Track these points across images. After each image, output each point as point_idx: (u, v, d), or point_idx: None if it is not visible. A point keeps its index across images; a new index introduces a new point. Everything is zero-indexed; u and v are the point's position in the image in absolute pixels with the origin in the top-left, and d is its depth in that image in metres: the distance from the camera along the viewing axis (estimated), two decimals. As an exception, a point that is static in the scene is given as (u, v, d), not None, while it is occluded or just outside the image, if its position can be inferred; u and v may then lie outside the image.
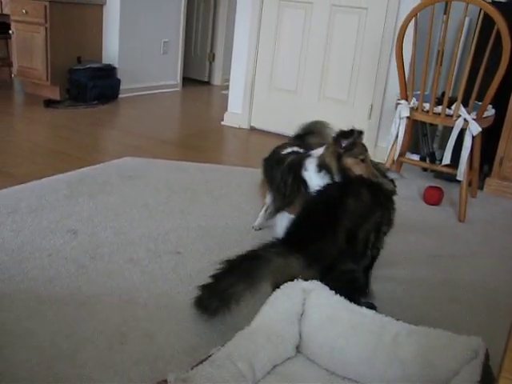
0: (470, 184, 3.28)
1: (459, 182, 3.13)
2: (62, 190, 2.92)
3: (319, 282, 1.63)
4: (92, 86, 5.22)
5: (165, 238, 2.49)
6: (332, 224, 1.79)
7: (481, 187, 3.68)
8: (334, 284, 1.69)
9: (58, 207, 2.70)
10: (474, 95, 2.97)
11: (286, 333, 1.55)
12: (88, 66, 5.31)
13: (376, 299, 2.08)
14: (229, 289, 1.74)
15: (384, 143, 4.06)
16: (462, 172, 3.07)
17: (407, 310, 2.08)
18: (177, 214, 2.75)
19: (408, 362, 1.42)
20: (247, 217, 2.79)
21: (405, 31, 3.04)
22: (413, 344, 1.45)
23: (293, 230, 1.88)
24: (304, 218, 1.92)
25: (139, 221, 2.64)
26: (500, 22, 2.78)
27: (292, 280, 1.67)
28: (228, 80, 5.00)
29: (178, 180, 3.25)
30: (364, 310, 1.58)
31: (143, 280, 2.11)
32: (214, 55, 7.12)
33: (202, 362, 1.42)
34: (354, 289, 1.83)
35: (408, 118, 3.15)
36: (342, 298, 1.61)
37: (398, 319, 1.56)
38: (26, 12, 5.15)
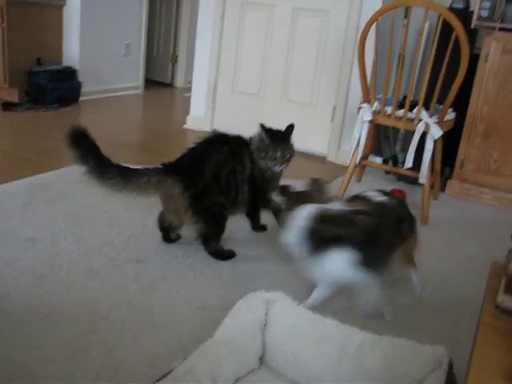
0: (432, 186, 3.31)
1: (421, 184, 3.16)
2: (21, 196, 2.85)
3: (281, 293, 1.62)
4: (52, 88, 5.12)
5: (126, 245, 2.44)
6: (202, 164, 2.35)
7: (443, 189, 3.72)
8: (204, 212, 2.34)
9: (16, 215, 2.63)
10: (434, 99, 3.00)
11: (249, 344, 1.53)
12: (48, 68, 5.21)
13: (337, 308, 2.08)
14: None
15: (347, 146, 4.08)
16: (424, 175, 3.09)
17: (370, 318, 2.08)
18: (139, 220, 2.71)
19: (373, 373, 1.41)
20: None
21: (366, 35, 3.05)
22: (377, 354, 1.45)
23: (175, 164, 2.40)
24: (184, 158, 2.44)
25: (100, 228, 2.59)
26: (458, 28, 2.81)
27: (173, 199, 2.32)
28: (191, 82, 4.94)
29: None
30: (328, 320, 1.56)
31: (104, 290, 2.07)
32: (176, 57, 7.06)
33: (163, 377, 1.39)
34: (218, 224, 2.40)
35: (370, 121, 3.17)
36: (305, 309, 1.60)
37: (361, 329, 1.56)
38: (-18, 12, 5.03)
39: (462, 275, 2.54)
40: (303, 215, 1.87)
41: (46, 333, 1.78)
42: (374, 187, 3.57)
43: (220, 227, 2.42)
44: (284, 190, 2.09)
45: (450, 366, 1.40)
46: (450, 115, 3.19)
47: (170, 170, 2.37)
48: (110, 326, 1.85)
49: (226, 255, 2.45)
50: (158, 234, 2.56)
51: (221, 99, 4.69)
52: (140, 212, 2.81)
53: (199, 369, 1.41)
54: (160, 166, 2.39)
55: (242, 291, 2.00)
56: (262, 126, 2.47)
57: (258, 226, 2.72)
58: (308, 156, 4.29)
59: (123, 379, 1.60)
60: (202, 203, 2.34)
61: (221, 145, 2.45)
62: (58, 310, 1.90)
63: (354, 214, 1.87)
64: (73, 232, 2.51)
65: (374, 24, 3.01)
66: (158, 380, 1.39)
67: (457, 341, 1.95)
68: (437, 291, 2.35)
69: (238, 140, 2.52)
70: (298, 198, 1.99)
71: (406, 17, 3.99)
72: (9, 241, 2.36)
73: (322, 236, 1.85)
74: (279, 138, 2.48)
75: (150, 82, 6.83)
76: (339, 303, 2.14)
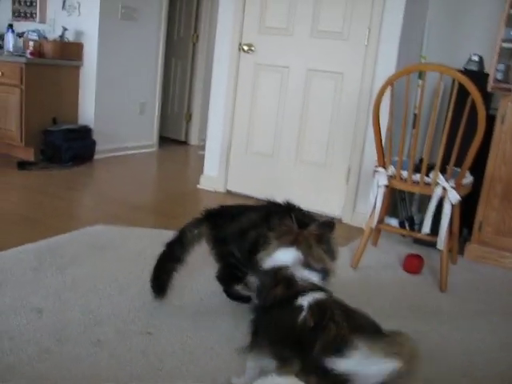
0: (450, 250, 3.22)
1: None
2: (30, 261, 2.80)
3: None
4: (67, 147, 5.14)
5: (135, 316, 2.36)
6: (237, 216, 2.44)
7: (461, 252, 3.63)
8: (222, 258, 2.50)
9: (23, 282, 2.57)
10: (452, 162, 2.95)
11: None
12: (63, 127, 5.25)
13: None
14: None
15: (362, 208, 4.01)
16: (442, 240, 3.01)
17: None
18: (149, 290, 2.62)
19: None
20: (222, 293, 2.68)
21: (381, 99, 3.02)
22: None
23: (214, 211, 2.52)
24: (226, 208, 2.58)
25: (109, 297, 2.52)
26: (473, 91, 2.77)
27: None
28: (205, 139, 4.93)
29: (152, 250, 3.10)
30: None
31: (111, 365, 1.99)
32: (190, 115, 7.09)
33: None
34: (231, 273, 2.52)
35: (386, 186, 3.11)
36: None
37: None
38: (2, 74, 5.10)
39: (485, 350, 2.42)
40: (281, 257, 1.81)
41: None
42: (390, 251, 3.54)
43: (232, 275, 2.51)
44: (287, 219, 1.93)
45: None
46: (468, 178, 3.12)
47: (209, 215, 2.50)
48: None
49: (237, 297, 2.54)
50: (169, 305, 2.49)
51: (234, 159, 4.67)
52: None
53: None
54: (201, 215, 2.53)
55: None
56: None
57: None
58: (323, 218, 4.22)
59: None
60: (222, 248, 2.46)
61: (264, 208, 2.46)
62: (63, 390, 1.82)
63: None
64: (81, 302, 2.44)
65: (389, 88, 2.98)
66: None
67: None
68: (455, 367, 2.22)
69: (284, 209, 2.34)
70: (295, 235, 1.86)
71: (420, 77, 3.99)
72: (15, 311, 2.30)
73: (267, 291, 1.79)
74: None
75: (165, 140, 6.86)
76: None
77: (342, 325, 1.53)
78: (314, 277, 1.79)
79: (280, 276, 1.77)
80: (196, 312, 2.48)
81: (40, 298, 2.43)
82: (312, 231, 1.89)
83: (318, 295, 1.67)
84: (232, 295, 2.61)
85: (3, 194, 4.13)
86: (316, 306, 1.62)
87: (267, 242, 1.92)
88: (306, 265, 1.80)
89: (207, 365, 2.06)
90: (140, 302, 2.49)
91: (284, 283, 1.74)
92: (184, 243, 2.48)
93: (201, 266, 2.83)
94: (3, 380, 1.84)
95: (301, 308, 1.62)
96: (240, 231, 2.39)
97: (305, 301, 1.64)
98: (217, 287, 2.66)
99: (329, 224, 1.94)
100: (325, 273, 1.83)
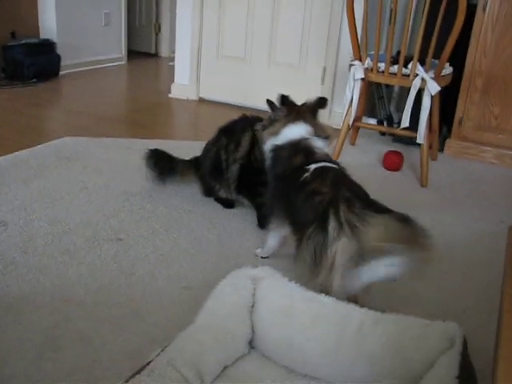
0: (430, 146, 3.13)
1: (419, 145, 2.98)
2: (-7, 176, 2.67)
3: (270, 268, 1.45)
4: (29, 63, 4.88)
5: (105, 223, 2.26)
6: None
7: (441, 149, 3.55)
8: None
9: (-14, 196, 2.45)
10: (430, 53, 2.81)
11: (235, 329, 1.36)
12: (24, 41, 4.97)
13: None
14: None
15: (339, 108, 3.88)
16: (421, 135, 2.92)
17: (373, 290, 1.92)
18: (119, 197, 2.52)
19: (375, 357, 1.25)
20: (197, 195, 2.59)
21: (355, -13, 2.84)
22: (380, 335, 1.28)
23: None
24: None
25: (77, 207, 2.41)
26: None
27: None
28: (176, 50, 4.73)
29: (122, 159, 3.01)
30: (323, 297, 1.39)
31: (80, 274, 1.90)
32: (159, 25, 6.79)
33: (139, 372, 1.22)
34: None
35: (363, 79, 2.97)
36: (297, 286, 1.42)
37: (361, 306, 1.38)
38: (-49, -15, 4.78)
39: (468, 239, 2.38)
40: (294, 132, 1.92)
41: (14, 325, 1.60)
42: (369, 150, 3.45)
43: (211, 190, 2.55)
44: (285, 99, 2.02)
45: (465, 344, 1.23)
46: (447, 70, 3.00)
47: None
48: (86, 313, 1.68)
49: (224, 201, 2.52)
50: (140, 211, 2.40)
51: (205, 65, 4.47)
52: (120, 187, 2.63)
53: (180, 360, 1.25)
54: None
55: (230, 268, 1.83)
56: (270, 101, 2.10)
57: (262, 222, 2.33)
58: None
59: (100, 372, 1.44)
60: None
61: (231, 125, 2.46)
62: (28, 300, 1.73)
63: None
64: (48, 212, 2.33)
65: (363, -26, 2.80)
66: (132, 375, 1.22)
67: (470, 314, 1.79)
68: (444, 258, 2.18)
69: (249, 120, 2.40)
70: (296, 112, 2.00)
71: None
72: (-22, 225, 2.19)
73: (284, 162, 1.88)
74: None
75: (134, 53, 6.59)
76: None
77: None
78: (323, 145, 1.92)
79: (300, 147, 1.87)
80: (168, 215, 2.39)
81: (4, 212, 2.31)
82: (309, 106, 2.07)
83: (329, 164, 1.78)
84: (219, 200, 2.54)
85: (-36, 112, 3.94)
86: (320, 169, 1.73)
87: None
88: (316, 135, 1.93)
89: (181, 267, 1.98)
90: (110, 210, 2.39)
91: (304, 153, 1.85)
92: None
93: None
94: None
95: (308, 170, 1.73)
96: (204, 154, 2.53)
97: (313, 166, 1.75)
98: (190, 191, 2.58)
99: (321, 100, 2.10)
100: (328, 140, 1.97)
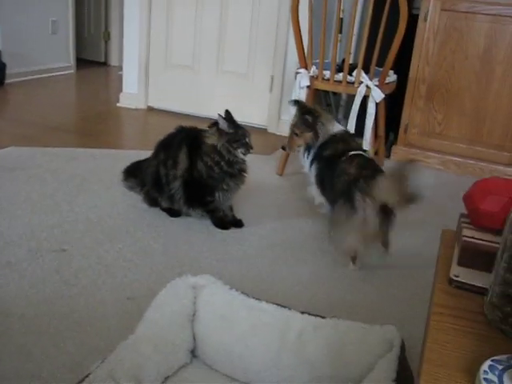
0: (376, 153, 3.18)
1: (365, 151, 3.02)
2: None
3: (210, 276, 1.44)
4: (-27, 71, 4.79)
5: (49, 234, 2.22)
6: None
7: (388, 156, 3.61)
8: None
9: None
10: (374, 61, 2.86)
11: (176, 339, 1.35)
12: (-34, 49, 4.87)
13: (281, 284, 1.94)
14: None
15: (287, 116, 3.91)
16: (367, 141, 2.96)
17: (315, 295, 1.94)
18: (63, 207, 2.48)
19: (316, 362, 1.26)
20: (141, 203, 2.57)
21: (299, -4, 2.88)
22: (321, 340, 1.29)
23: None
24: None
25: (21, 217, 2.36)
26: (396, -16, 2.66)
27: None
28: (125, 58, 4.68)
29: (67, 169, 2.97)
30: (264, 304, 1.39)
31: (21, 286, 1.85)
32: (109, 34, 6.73)
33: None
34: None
35: (308, 87, 3.00)
36: (239, 294, 1.42)
37: (302, 312, 1.39)
38: None
39: (412, 244, 2.42)
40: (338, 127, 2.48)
41: (-50, 340, 1.56)
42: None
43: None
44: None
45: (403, 348, 1.25)
46: (391, 77, 3.06)
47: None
48: (27, 326, 1.65)
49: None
50: (85, 221, 2.36)
51: (154, 74, 4.45)
52: (65, 197, 2.59)
53: (119, 371, 1.23)
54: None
55: (175, 277, 1.82)
56: (221, 116, 2.34)
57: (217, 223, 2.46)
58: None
59: (40, 386, 1.41)
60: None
61: (168, 139, 2.48)
62: (-34, 313, 1.69)
63: None
64: (-11, 224, 2.28)
65: (307, -17, 2.83)
66: (71, 388, 1.20)
67: (409, 319, 1.82)
68: (386, 263, 2.22)
69: (186, 133, 2.46)
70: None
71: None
72: None
73: None
74: (236, 125, 2.41)
75: (83, 62, 6.51)
76: (280, 281, 2.00)
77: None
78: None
79: (343, 137, 2.40)
80: (113, 225, 2.36)
81: None
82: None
83: (361, 152, 2.31)
84: (165, 210, 2.55)
85: None
86: (353, 155, 2.22)
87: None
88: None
89: (125, 277, 1.95)
90: (54, 220, 2.35)
91: (344, 142, 2.37)
92: None
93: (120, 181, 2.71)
94: None
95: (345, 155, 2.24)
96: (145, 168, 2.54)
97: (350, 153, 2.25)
98: (133, 198, 2.58)
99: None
100: None
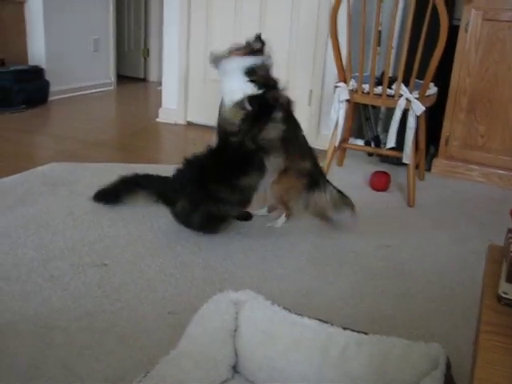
0: (416, 166, 3.14)
1: (406, 165, 2.99)
2: (-22, 204, 2.65)
3: (252, 292, 1.44)
4: (18, 89, 4.89)
5: (90, 249, 2.25)
6: None
7: (428, 169, 3.56)
8: None
9: (-30, 224, 2.43)
10: (414, 74, 2.83)
11: (218, 354, 1.34)
12: (12, 68, 4.99)
13: (319, 302, 1.92)
14: None
15: (326, 130, 3.89)
16: (407, 154, 2.93)
17: (357, 311, 1.91)
18: (105, 222, 2.51)
19: (359, 379, 1.24)
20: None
21: (337, 10, 2.87)
22: (364, 357, 1.26)
23: None
24: None
25: (63, 232, 2.39)
26: (435, -5, 2.63)
27: None
28: (164, 74, 4.74)
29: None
30: (306, 320, 1.38)
31: (64, 300, 1.88)
32: (148, 50, 6.84)
33: (120, 399, 1.21)
34: None
35: (348, 101, 2.99)
36: (280, 309, 1.41)
37: (345, 328, 1.37)
38: None
39: (455, 259, 2.37)
40: None
41: (-4, 354, 1.59)
42: (356, 171, 3.46)
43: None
44: None
45: (448, 366, 1.22)
46: (432, 90, 3.02)
47: None
48: (70, 340, 1.66)
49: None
50: (125, 236, 2.38)
51: (193, 89, 4.49)
52: (107, 212, 2.62)
53: (162, 386, 1.23)
54: None
55: (215, 292, 1.82)
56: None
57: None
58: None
59: (82, 400, 1.42)
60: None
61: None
62: (11, 327, 1.71)
63: None
64: (33, 239, 2.31)
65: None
66: (113, 403, 1.20)
67: (454, 336, 1.78)
68: (429, 278, 2.18)
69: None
70: None
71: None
72: (-38, 252, 2.17)
73: None
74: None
75: (123, 78, 6.62)
76: (320, 297, 1.98)
77: None
78: None
79: None
80: (154, 239, 2.38)
81: (-11, 238, 2.30)
82: None
83: None
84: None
85: (-49, 140, 3.93)
86: None
87: None
88: None
89: (166, 291, 1.96)
90: (95, 235, 2.37)
91: None
92: None
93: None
94: None
95: None
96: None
97: None
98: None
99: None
100: None
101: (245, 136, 2.28)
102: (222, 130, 2.37)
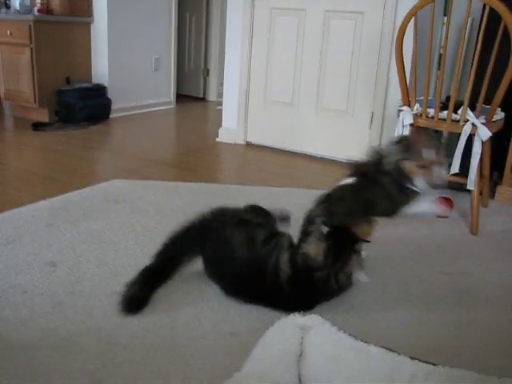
0: (480, 193, 3.06)
1: (469, 191, 2.92)
2: (44, 217, 2.72)
3: (319, 317, 1.41)
4: (82, 106, 5.04)
5: (152, 266, 2.26)
6: None
7: (492, 196, 3.47)
8: None
9: (37, 237, 2.49)
10: (481, 98, 2.77)
11: (282, 378, 1.32)
12: (77, 86, 5.14)
13: (382, 329, 1.88)
14: None
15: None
16: (472, 181, 2.86)
17: (420, 340, 1.86)
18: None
19: (428, 412, 1.20)
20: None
21: (404, 31, 2.84)
22: (432, 389, 1.22)
23: None
24: None
25: (125, 249, 2.43)
26: (507, 18, 2.57)
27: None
28: (224, 94, 4.80)
29: (169, 202, 3.04)
30: (372, 348, 1.34)
31: (126, 316, 1.89)
32: (208, 70, 6.94)
33: (184, 421, 1.20)
34: None
35: (411, 125, 2.95)
36: (346, 336, 1.38)
37: (412, 357, 1.33)
38: (11, 33, 4.99)
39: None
40: None
41: (60, 367, 1.60)
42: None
43: None
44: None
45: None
46: (499, 115, 2.95)
47: None
48: (131, 356, 1.67)
49: None
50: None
51: (253, 110, 4.52)
52: (167, 230, 2.63)
53: (226, 409, 1.22)
54: None
55: (276, 314, 1.81)
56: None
57: None
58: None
59: (144, 419, 1.42)
60: None
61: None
62: (75, 341, 1.73)
63: None
64: (96, 254, 2.35)
65: (412, 19, 2.80)
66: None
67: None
68: (496, 307, 2.11)
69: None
70: None
71: (445, 14, 3.78)
72: (28, 265, 2.21)
73: None
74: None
75: (183, 97, 6.73)
76: (383, 328, 1.94)
77: None
78: None
79: None
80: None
81: (54, 252, 2.35)
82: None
83: None
84: None
85: (18, 154, 4.06)
86: None
87: None
88: None
89: (227, 312, 1.95)
90: (157, 253, 2.39)
91: None
92: None
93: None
94: (16, 333, 1.76)
95: None
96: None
97: None
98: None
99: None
100: None
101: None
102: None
